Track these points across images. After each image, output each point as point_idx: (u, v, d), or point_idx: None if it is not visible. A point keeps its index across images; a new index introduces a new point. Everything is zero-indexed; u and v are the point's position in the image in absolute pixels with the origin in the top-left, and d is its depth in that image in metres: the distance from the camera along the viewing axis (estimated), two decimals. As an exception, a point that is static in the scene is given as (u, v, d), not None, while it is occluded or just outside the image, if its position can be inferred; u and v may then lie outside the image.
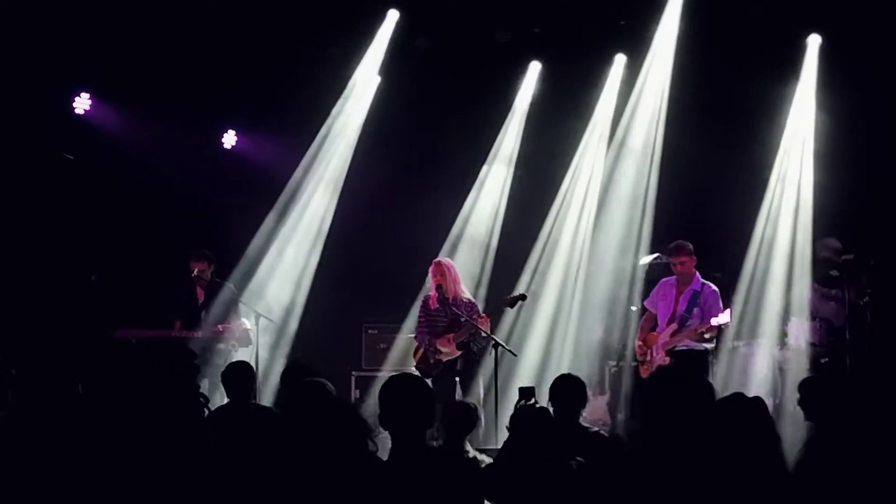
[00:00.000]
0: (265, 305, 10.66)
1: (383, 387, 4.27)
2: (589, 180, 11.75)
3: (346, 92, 11.51)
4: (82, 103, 10.58)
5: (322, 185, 11.62)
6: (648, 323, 9.59)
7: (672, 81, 11.07)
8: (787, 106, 11.05)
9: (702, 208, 10.99)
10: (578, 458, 5.30)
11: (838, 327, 9.63)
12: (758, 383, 9.52)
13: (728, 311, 9.17)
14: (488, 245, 11.91)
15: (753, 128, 11.07)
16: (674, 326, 9.26)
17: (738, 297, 10.57)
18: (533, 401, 5.96)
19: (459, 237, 11.81)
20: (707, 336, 9.06)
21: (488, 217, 11.98)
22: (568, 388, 6.40)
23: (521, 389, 6.32)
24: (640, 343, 9.52)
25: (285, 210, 11.52)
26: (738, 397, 4.58)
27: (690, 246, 9.42)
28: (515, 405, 6.02)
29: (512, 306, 9.92)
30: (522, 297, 9.70)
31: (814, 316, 9.87)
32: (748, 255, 10.89)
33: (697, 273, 9.40)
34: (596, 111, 11.74)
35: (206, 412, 4.82)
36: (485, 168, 12.03)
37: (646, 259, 11.16)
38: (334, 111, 11.54)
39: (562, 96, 11.71)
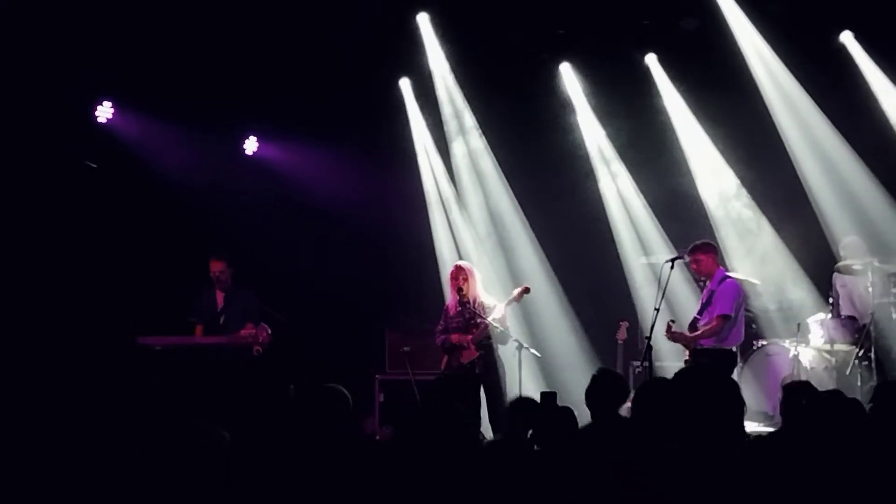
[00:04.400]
0: None
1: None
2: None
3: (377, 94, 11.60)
4: (104, 112, 10.64)
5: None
6: None
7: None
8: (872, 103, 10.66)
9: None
10: None
11: (862, 324, 9.56)
12: (781, 382, 9.33)
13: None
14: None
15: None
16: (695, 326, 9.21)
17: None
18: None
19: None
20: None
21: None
22: (605, 385, 6.33)
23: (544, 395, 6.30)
24: None
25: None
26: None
27: (709, 244, 9.40)
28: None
29: (518, 300, 9.73)
30: (526, 290, 9.59)
31: (837, 313, 9.79)
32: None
33: (721, 269, 9.35)
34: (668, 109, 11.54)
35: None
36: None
37: (655, 259, 11.13)
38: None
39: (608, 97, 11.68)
